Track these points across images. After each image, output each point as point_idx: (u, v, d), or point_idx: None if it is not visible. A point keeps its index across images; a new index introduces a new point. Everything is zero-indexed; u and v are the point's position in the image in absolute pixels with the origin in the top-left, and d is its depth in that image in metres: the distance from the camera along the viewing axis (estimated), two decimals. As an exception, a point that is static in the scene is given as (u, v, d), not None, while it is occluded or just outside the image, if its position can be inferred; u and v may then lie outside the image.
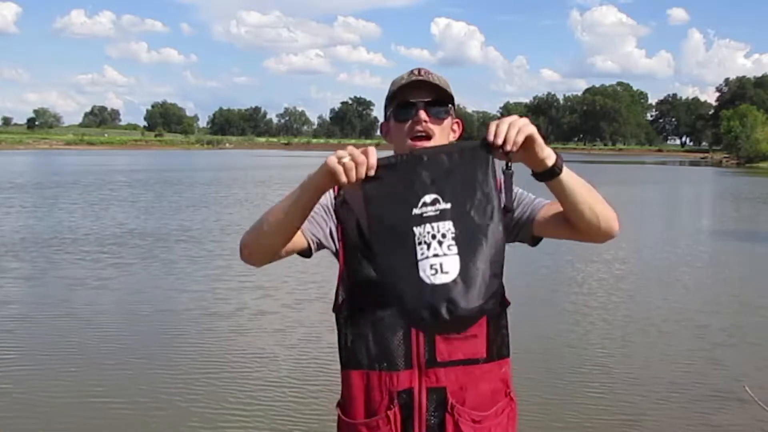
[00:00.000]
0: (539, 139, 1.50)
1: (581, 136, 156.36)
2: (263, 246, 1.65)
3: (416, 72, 1.74)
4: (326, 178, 1.51)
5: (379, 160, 1.51)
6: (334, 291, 1.79)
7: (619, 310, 8.12)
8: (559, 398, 5.28)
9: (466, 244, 1.46)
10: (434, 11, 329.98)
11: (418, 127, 1.70)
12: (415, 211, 1.48)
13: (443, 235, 1.46)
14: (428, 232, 1.46)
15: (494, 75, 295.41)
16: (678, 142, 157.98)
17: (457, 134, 1.80)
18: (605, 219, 1.62)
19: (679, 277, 10.47)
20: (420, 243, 1.46)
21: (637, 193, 29.90)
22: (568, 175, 1.56)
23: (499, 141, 1.46)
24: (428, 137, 1.70)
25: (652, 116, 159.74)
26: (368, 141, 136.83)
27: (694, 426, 4.90)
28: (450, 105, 1.74)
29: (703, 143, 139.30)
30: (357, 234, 1.71)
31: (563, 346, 6.64)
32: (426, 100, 1.70)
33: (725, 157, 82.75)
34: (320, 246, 1.77)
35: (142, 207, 18.66)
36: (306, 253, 1.75)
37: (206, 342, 6.71)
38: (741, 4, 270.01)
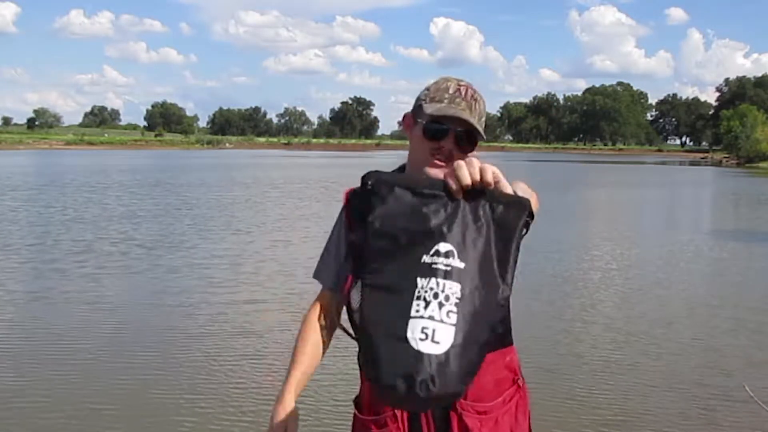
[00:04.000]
0: (504, 179, 1.42)
1: (581, 136, 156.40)
2: None
3: (463, 93, 1.72)
4: None
5: (401, 177, 1.40)
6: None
7: (619, 311, 8.10)
8: (556, 398, 5.25)
9: (469, 316, 1.28)
10: (433, 11, 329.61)
11: (441, 155, 1.69)
12: (425, 258, 1.31)
13: (446, 298, 1.28)
14: (431, 288, 1.29)
15: (494, 75, 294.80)
16: (678, 142, 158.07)
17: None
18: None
19: (679, 277, 10.42)
20: (418, 297, 1.28)
21: (637, 195, 29.90)
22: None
23: (467, 178, 1.36)
24: (449, 161, 1.69)
25: (652, 116, 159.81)
26: (368, 141, 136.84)
27: (694, 425, 4.89)
28: (479, 139, 1.73)
29: (703, 143, 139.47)
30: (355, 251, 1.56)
31: (562, 347, 6.60)
32: (459, 129, 1.69)
33: (725, 157, 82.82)
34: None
35: (121, 211, 17.85)
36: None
37: (204, 345, 6.57)
38: (740, 3, 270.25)
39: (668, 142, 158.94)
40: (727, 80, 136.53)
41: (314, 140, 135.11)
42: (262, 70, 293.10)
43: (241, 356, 6.18)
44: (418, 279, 1.29)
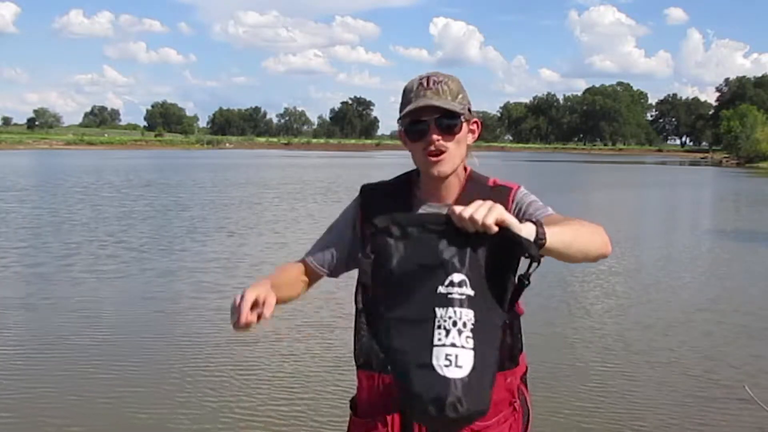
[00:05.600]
0: (510, 219, 1.42)
1: (581, 136, 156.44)
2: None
3: (425, 84, 1.72)
4: None
5: (404, 217, 1.49)
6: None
7: (619, 311, 8.03)
8: (556, 397, 5.22)
9: (482, 339, 1.40)
10: (433, 11, 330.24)
11: (431, 148, 1.71)
12: (441, 289, 1.41)
13: (464, 324, 1.39)
14: (450, 317, 1.40)
15: (493, 75, 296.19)
16: (678, 142, 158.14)
17: (476, 134, 1.81)
18: (597, 252, 1.63)
19: (679, 277, 10.36)
20: (439, 326, 1.39)
21: (636, 195, 29.79)
22: (554, 240, 1.47)
23: (471, 226, 1.40)
24: (443, 152, 1.72)
25: (652, 116, 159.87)
26: (368, 141, 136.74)
27: (694, 426, 4.88)
28: (462, 115, 1.73)
29: (703, 143, 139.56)
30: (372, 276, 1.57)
31: (562, 347, 6.56)
32: (436, 116, 1.70)
33: (725, 157, 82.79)
34: (345, 268, 1.87)
35: (113, 212, 17.57)
36: (327, 276, 1.89)
37: (193, 354, 6.38)
38: (740, 3, 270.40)
39: (668, 142, 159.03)
40: (727, 80, 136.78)
41: (314, 140, 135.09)
42: (262, 70, 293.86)
43: (231, 366, 5.95)
44: (437, 309, 1.39)
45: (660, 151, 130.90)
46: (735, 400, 5.25)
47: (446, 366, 1.36)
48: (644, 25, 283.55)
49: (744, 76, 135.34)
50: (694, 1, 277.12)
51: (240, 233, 14.30)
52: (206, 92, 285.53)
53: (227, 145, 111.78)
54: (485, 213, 1.40)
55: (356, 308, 1.73)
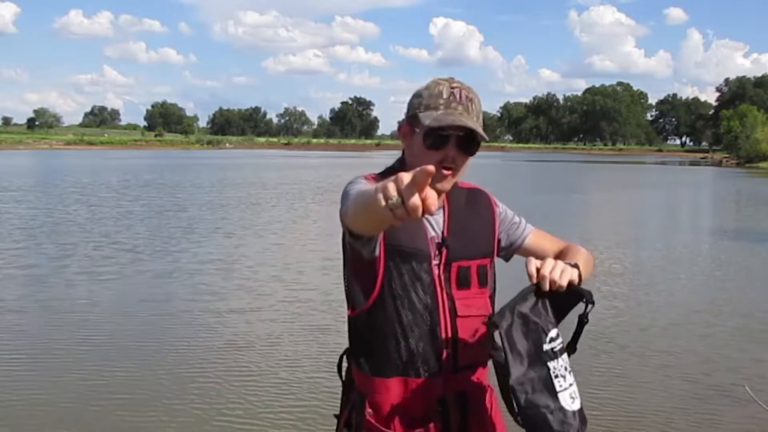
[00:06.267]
0: (575, 276, 1.67)
1: (581, 136, 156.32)
2: (357, 223, 1.51)
3: (457, 96, 1.69)
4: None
5: (507, 306, 1.66)
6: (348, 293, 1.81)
7: (619, 311, 7.97)
8: None
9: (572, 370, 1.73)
10: (433, 11, 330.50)
11: (447, 163, 1.69)
12: (545, 347, 1.67)
13: (568, 365, 1.70)
14: (561, 366, 1.67)
15: (493, 75, 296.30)
16: (678, 142, 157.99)
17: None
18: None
19: (679, 278, 10.34)
20: (556, 376, 1.66)
21: (636, 195, 29.71)
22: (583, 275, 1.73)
23: (547, 286, 1.64)
24: (452, 168, 1.72)
25: (652, 116, 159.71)
26: (368, 141, 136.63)
27: (694, 426, 4.87)
28: (481, 139, 1.72)
29: (703, 143, 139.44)
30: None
31: None
32: (459, 133, 1.68)
33: (725, 157, 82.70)
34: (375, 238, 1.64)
35: (109, 213, 17.56)
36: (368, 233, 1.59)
37: (188, 359, 6.31)
38: (740, 3, 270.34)
39: (668, 142, 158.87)
40: (727, 80, 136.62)
41: (314, 140, 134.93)
42: (262, 70, 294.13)
43: (225, 369, 5.87)
44: (549, 363, 1.66)
45: (660, 151, 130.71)
46: (736, 402, 5.23)
47: (572, 402, 1.66)
48: (644, 25, 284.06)
49: (744, 76, 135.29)
50: (694, 1, 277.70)
51: (238, 234, 14.21)
52: (206, 92, 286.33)
53: (227, 145, 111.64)
54: (560, 275, 1.64)
55: (354, 307, 1.77)
